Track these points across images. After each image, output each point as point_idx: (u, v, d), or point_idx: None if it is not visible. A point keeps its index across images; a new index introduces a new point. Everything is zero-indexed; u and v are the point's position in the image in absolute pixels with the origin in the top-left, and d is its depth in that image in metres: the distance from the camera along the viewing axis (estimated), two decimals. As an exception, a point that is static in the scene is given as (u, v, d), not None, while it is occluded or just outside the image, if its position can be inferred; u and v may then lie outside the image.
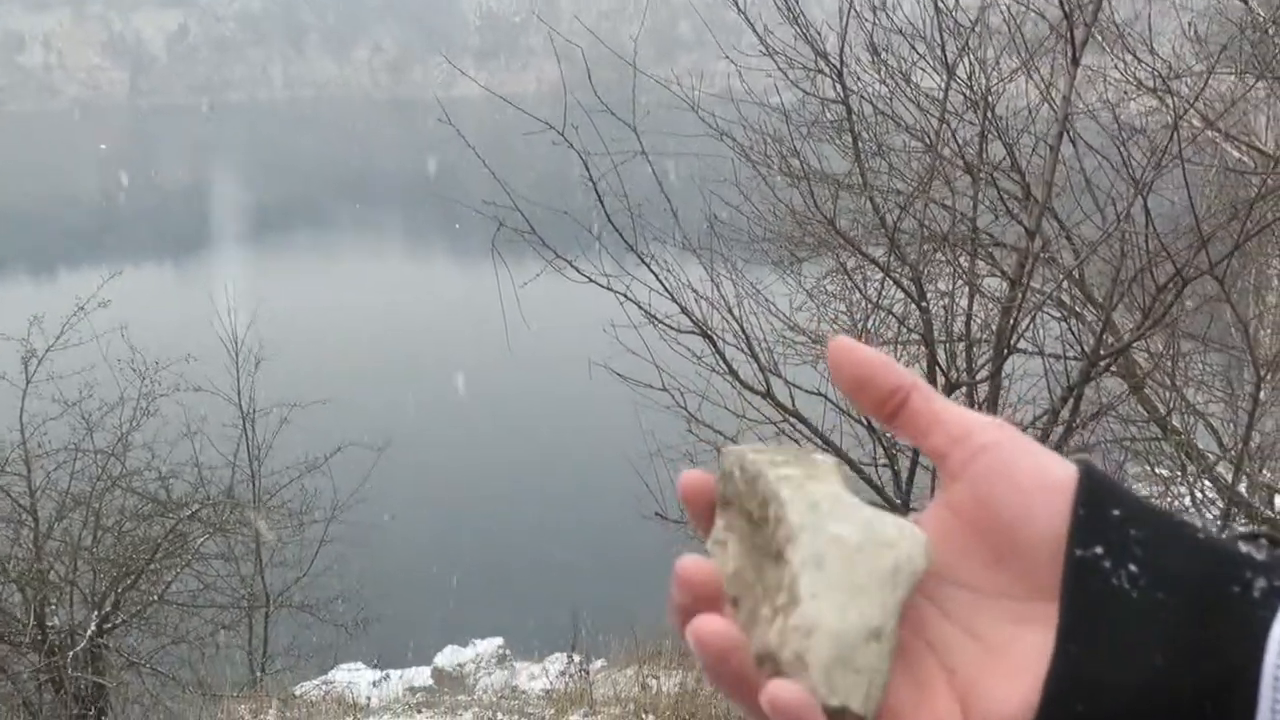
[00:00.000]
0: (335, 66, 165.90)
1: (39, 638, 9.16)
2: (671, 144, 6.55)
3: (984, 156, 5.42)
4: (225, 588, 10.85)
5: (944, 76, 5.48)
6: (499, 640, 11.29)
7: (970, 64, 5.53)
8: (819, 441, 5.04)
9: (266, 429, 12.26)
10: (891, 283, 5.64)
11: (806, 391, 5.35)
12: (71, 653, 9.00)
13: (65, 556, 9.96)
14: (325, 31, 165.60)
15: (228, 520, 10.63)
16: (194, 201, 77.74)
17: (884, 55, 5.86)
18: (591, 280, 5.16)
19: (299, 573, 11.49)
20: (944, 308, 5.68)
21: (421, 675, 10.96)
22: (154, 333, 12.60)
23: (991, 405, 5.00)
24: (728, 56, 6.46)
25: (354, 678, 10.37)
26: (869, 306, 6.12)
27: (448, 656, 11.03)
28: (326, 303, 43.30)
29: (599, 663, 10.13)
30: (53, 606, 9.88)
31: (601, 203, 5.16)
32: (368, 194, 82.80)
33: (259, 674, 10.71)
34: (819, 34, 5.77)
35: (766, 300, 5.99)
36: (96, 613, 9.90)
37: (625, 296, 5.15)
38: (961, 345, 5.67)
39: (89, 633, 9.25)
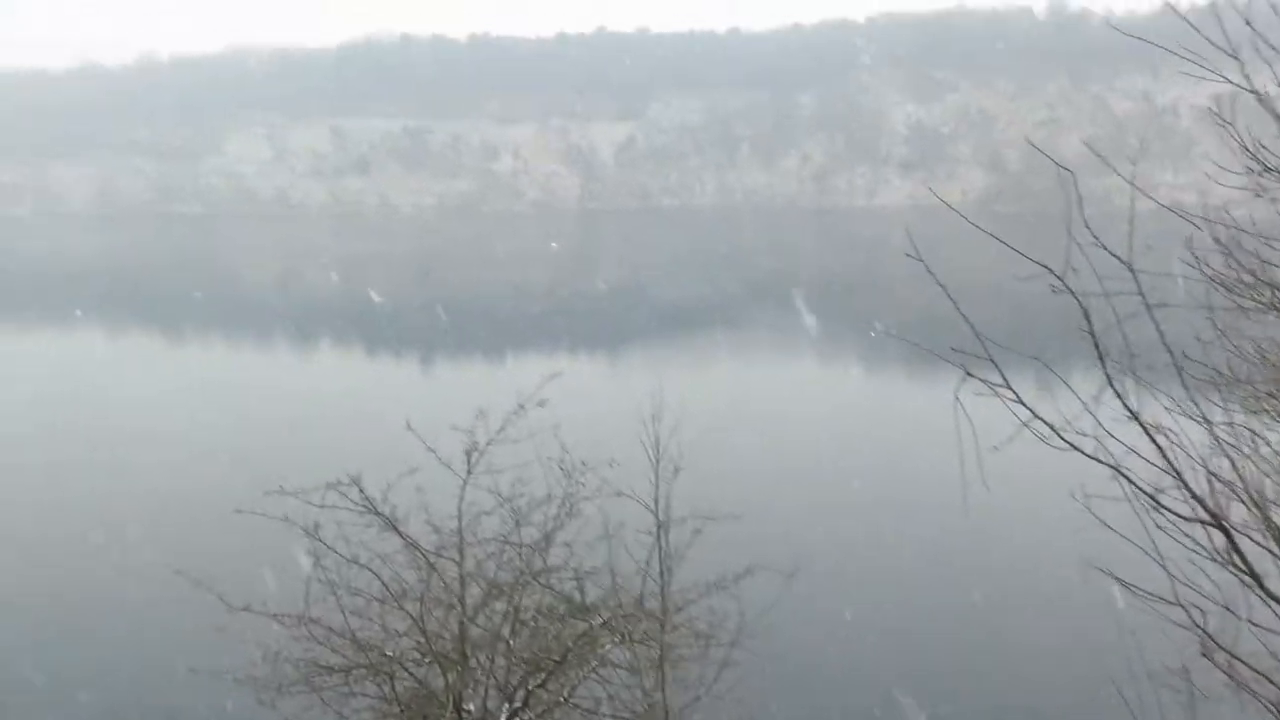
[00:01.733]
0: (764, 175, 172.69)
1: (455, 720, 9.46)
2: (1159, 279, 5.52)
3: None
4: (628, 699, 10.77)
5: None
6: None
7: None
8: None
9: (679, 539, 12.17)
10: None
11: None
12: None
13: (485, 645, 10.29)
14: (756, 142, 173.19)
15: (636, 631, 10.57)
16: (628, 299, 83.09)
17: None
18: (1077, 449, 4.34)
19: (699, 693, 11.18)
20: None
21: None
22: (583, 431, 12.99)
23: None
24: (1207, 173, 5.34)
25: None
26: None
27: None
28: (744, 407, 44.05)
29: None
30: (469, 690, 10.21)
31: (1102, 361, 4.35)
32: (789, 298, 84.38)
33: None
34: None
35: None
36: (508, 704, 10.09)
37: (1117, 470, 4.30)
38: None
39: (499, 723, 9.44)
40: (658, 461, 12.42)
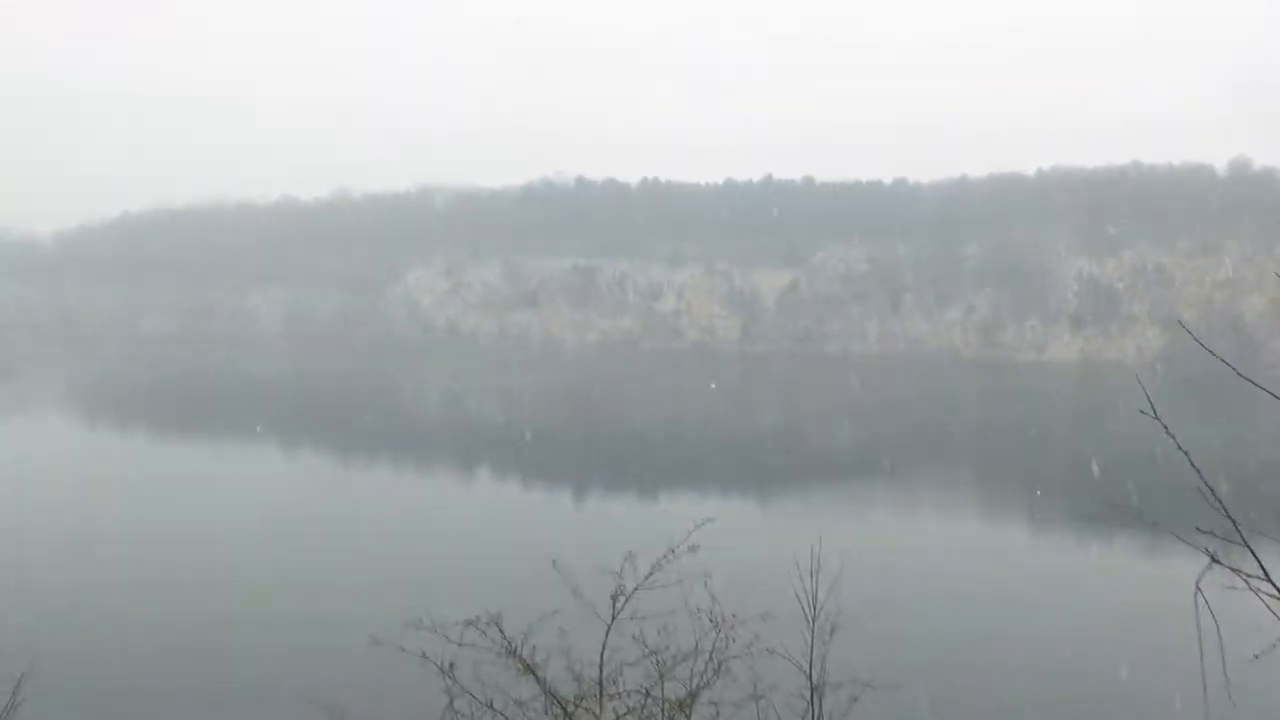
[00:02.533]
0: (928, 324, 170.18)
1: None
2: None
3: None
4: None
5: None
6: None
7: None
8: None
9: (835, 705, 11.29)
10: None
11: None
12: None
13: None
14: (921, 290, 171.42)
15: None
16: (786, 442, 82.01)
17: None
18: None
19: None
20: None
21: None
22: (735, 581, 12.35)
23: None
24: None
25: None
26: None
27: None
28: (908, 566, 42.21)
29: None
30: None
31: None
32: (953, 451, 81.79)
33: None
34: None
35: None
36: None
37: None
38: None
39: None
40: (814, 619, 11.64)
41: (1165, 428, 4.88)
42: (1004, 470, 75.14)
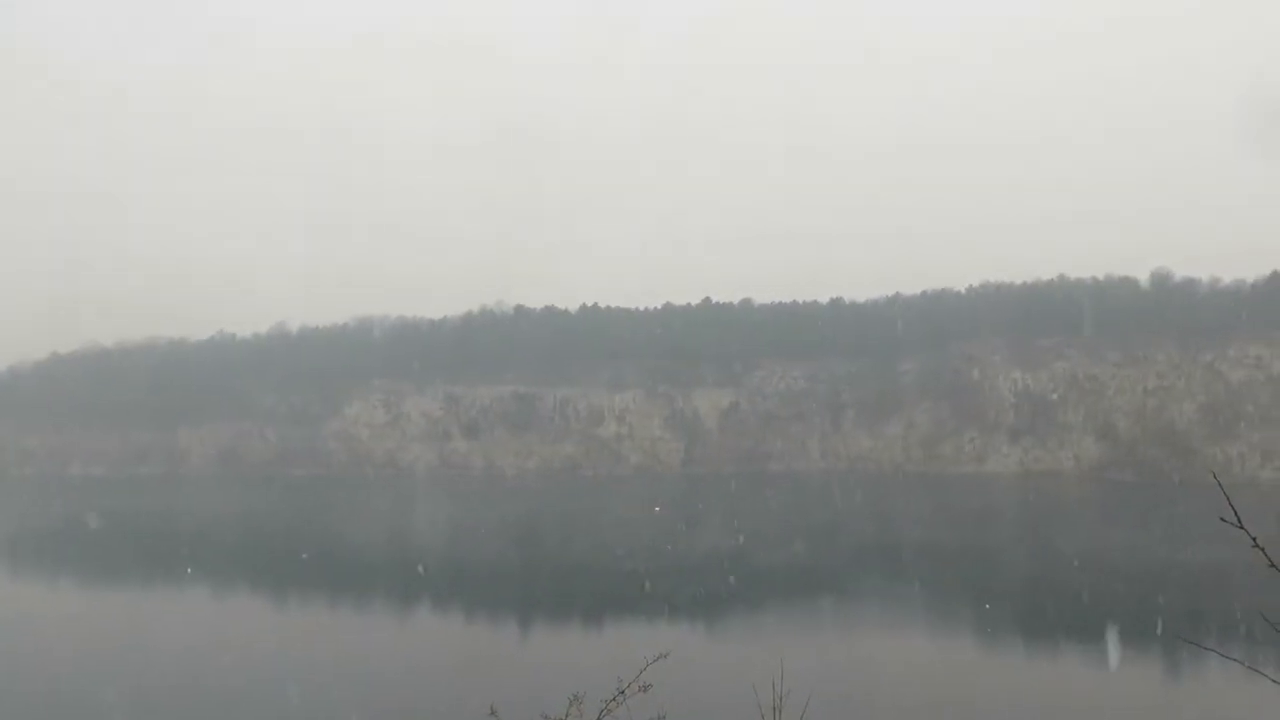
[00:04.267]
0: (869, 440, 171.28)
1: None
2: None
3: None
4: None
5: None
6: None
7: None
8: None
9: None
10: None
11: None
12: None
13: None
14: (861, 408, 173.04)
15: None
16: (735, 566, 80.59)
17: None
18: None
19: None
20: None
21: None
22: (690, 716, 11.46)
23: None
24: None
25: None
26: None
27: None
28: (874, 693, 41.04)
29: None
30: None
31: None
32: (897, 569, 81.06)
33: None
34: None
35: None
36: None
37: None
38: None
39: None
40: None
41: (1255, 542, 4.40)
42: (956, 586, 74.48)
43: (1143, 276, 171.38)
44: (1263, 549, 4.81)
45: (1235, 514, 4.94)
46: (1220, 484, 5.03)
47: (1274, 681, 3.91)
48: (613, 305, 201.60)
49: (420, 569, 78.40)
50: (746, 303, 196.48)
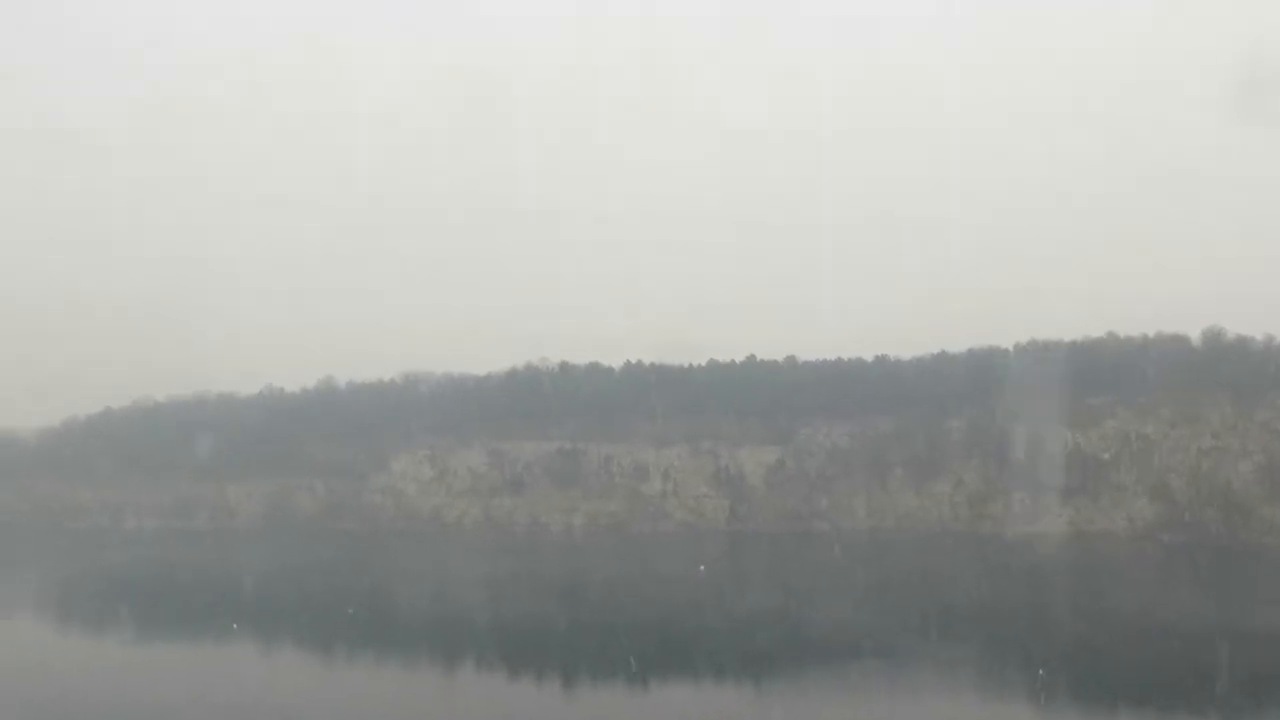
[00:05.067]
0: (916, 499, 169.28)
1: None
2: None
3: None
4: None
5: None
6: None
7: None
8: None
9: None
10: None
11: None
12: None
13: None
14: (908, 466, 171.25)
15: None
16: (788, 626, 79.86)
17: None
18: None
19: None
20: None
21: None
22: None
23: None
24: None
25: None
26: None
27: None
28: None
29: None
30: None
31: None
32: (948, 632, 79.73)
33: None
34: None
35: None
36: None
37: None
38: None
39: None
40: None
41: None
42: (1007, 650, 73.06)
43: (1194, 334, 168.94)
44: None
45: None
46: None
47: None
48: (657, 361, 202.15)
49: (465, 627, 78.34)
50: (791, 359, 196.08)
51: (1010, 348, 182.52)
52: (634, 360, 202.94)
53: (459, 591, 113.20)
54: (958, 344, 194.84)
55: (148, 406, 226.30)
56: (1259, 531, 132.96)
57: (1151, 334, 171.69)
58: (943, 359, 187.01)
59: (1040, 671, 62.95)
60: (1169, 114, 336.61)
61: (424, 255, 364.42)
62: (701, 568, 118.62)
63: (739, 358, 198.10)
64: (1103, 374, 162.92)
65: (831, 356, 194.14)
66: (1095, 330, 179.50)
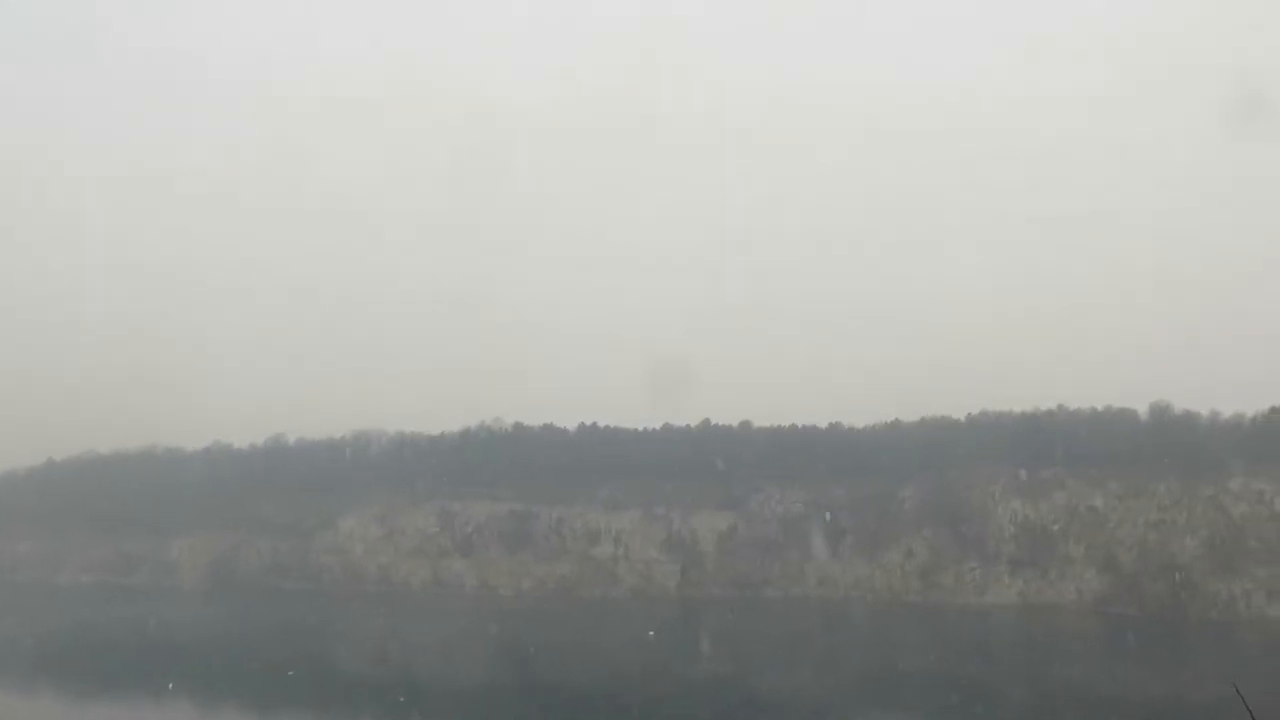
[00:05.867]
0: (867, 568, 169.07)
1: None
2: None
3: None
4: None
5: None
6: None
7: None
8: None
9: None
10: None
11: None
12: None
13: None
14: (859, 534, 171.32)
15: None
16: (736, 695, 79.01)
17: None
18: None
19: None
20: None
21: None
22: None
23: None
24: None
25: None
26: None
27: None
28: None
29: None
30: None
31: None
32: (895, 702, 79.38)
33: None
34: None
35: None
36: None
37: None
38: None
39: None
40: None
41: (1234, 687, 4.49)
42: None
43: (1141, 408, 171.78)
44: (1240, 694, 4.87)
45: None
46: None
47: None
48: (611, 425, 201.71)
49: (400, 696, 76.57)
50: (745, 425, 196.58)
51: (963, 418, 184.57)
52: (588, 422, 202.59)
53: (402, 655, 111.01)
54: (911, 414, 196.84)
55: (91, 459, 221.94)
56: (1205, 606, 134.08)
57: (1100, 407, 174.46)
58: (896, 428, 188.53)
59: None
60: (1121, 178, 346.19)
61: (378, 314, 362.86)
62: (651, 633, 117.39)
63: (693, 422, 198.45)
64: (1053, 446, 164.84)
65: (786, 423, 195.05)
66: (1046, 403, 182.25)
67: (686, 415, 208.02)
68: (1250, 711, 4.46)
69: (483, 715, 72.56)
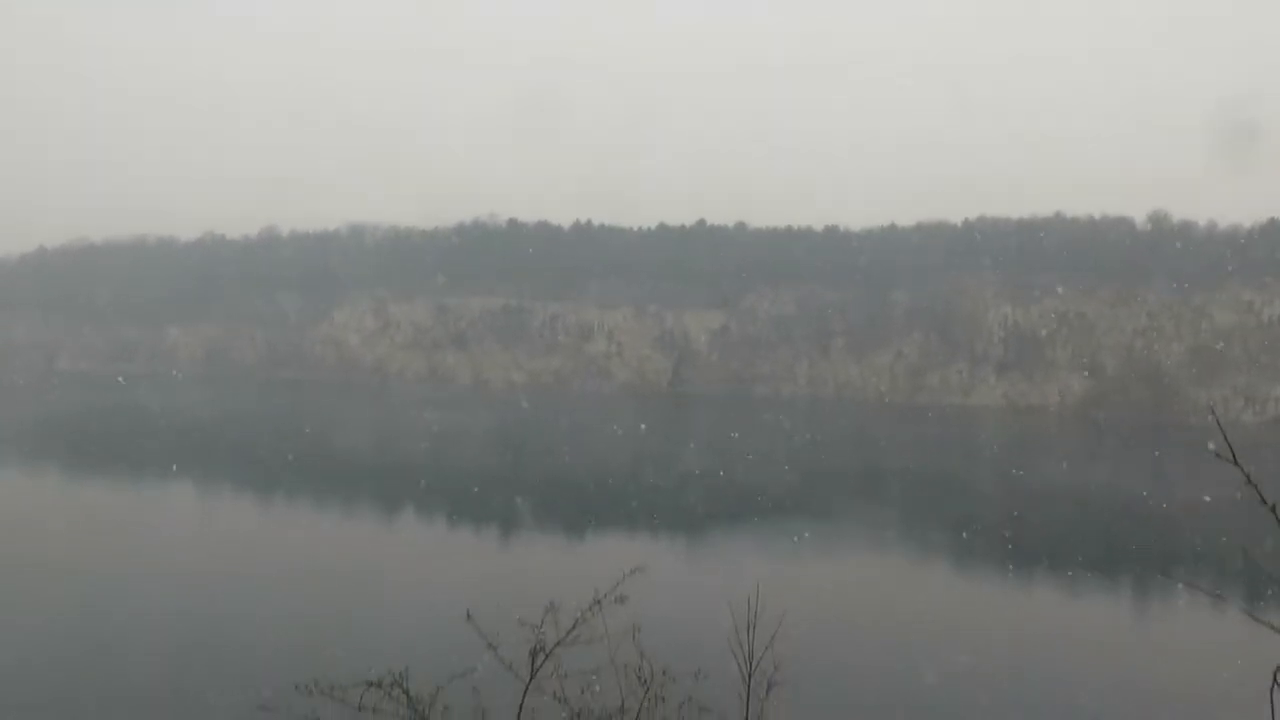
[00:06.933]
0: (856, 368, 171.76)
1: None
2: None
3: None
4: None
5: None
6: None
7: None
8: None
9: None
10: None
11: None
12: None
13: None
14: (850, 336, 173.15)
15: None
16: (724, 485, 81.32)
17: None
18: None
19: None
20: None
21: None
22: (665, 635, 11.50)
23: None
24: None
25: None
26: None
27: None
28: (849, 614, 41.53)
29: None
30: None
31: None
32: (876, 496, 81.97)
33: None
34: None
35: None
36: None
37: None
38: None
39: None
40: (750, 676, 10.85)
41: (1246, 475, 4.32)
42: (934, 514, 75.33)
43: (1140, 217, 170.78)
44: (1255, 485, 4.73)
45: (1231, 451, 4.86)
46: (1218, 422, 4.93)
47: (1248, 614, 3.81)
48: (606, 223, 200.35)
49: (400, 476, 78.66)
50: (741, 226, 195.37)
51: (959, 223, 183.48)
52: (583, 220, 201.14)
53: (399, 441, 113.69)
54: (908, 217, 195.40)
55: (83, 247, 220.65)
56: (1185, 411, 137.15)
57: (1098, 215, 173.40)
58: (892, 231, 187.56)
59: (963, 535, 65.14)
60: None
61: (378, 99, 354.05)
62: (643, 426, 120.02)
63: (689, 221, 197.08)
64: (1048, 253, 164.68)
65: (781, 224, 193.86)
66: (1044, 209, 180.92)
67: (682, 214, 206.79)
68: (1263, 498, 4.28)
69: (477, 497, 74.87)
